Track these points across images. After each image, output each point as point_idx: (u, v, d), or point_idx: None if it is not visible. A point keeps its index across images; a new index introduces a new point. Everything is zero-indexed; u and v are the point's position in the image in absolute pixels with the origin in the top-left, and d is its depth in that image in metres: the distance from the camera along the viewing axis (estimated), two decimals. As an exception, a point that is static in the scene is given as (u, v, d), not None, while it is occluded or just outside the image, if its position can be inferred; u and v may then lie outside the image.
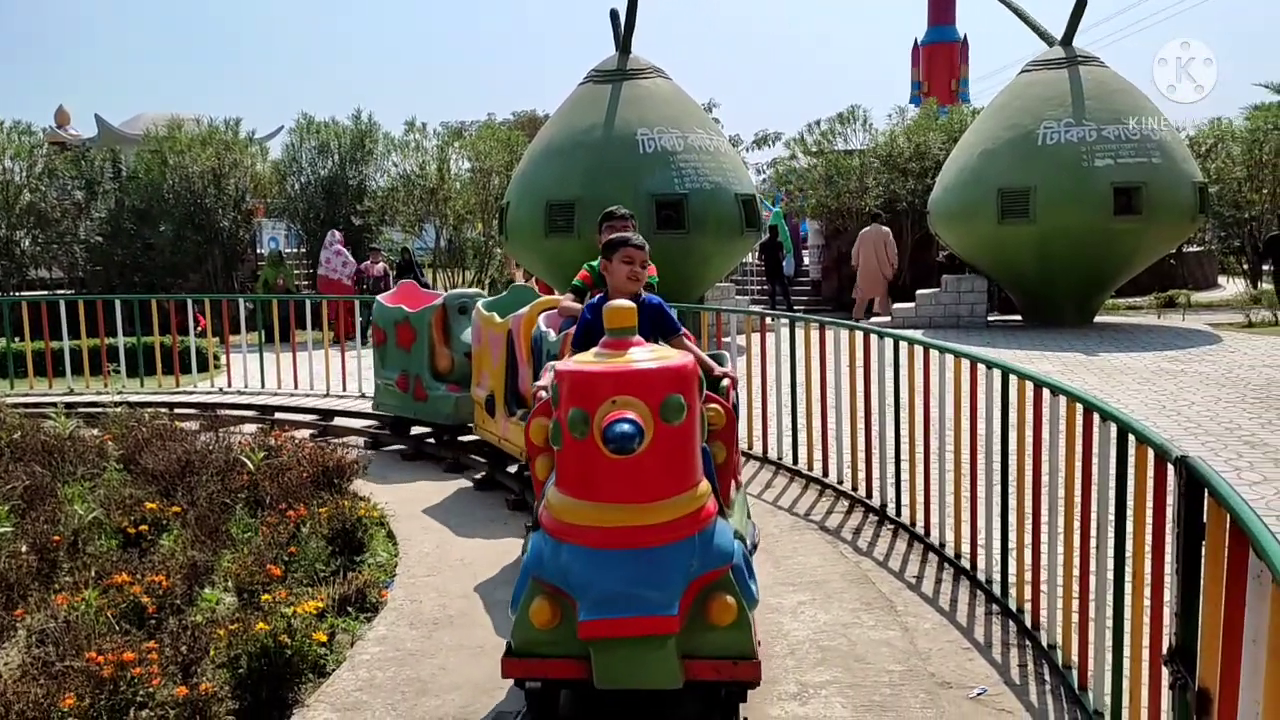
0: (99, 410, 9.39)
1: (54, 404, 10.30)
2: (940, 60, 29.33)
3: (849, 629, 4.54)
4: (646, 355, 3.21)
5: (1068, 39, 15.66)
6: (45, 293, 16.07)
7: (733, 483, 3.86)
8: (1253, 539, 2.11)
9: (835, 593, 4.98)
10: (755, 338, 8.12)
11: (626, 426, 2.92)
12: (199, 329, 12.89)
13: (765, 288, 20.92)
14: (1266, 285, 19.23)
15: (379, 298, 9.25)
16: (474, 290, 8.83)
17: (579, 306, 4.66)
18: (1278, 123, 19.86)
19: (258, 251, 21.47)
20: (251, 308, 14.14)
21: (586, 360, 3.22)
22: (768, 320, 8.01)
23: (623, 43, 14.63)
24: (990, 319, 16.44)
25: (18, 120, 19.82)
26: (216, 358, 13.39)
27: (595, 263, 4.77)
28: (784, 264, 20.71)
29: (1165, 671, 2.78)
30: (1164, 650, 2.83)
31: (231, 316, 14.23)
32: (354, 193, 20.51)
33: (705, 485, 3.30)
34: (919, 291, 16.51)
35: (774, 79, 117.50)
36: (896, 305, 16.75)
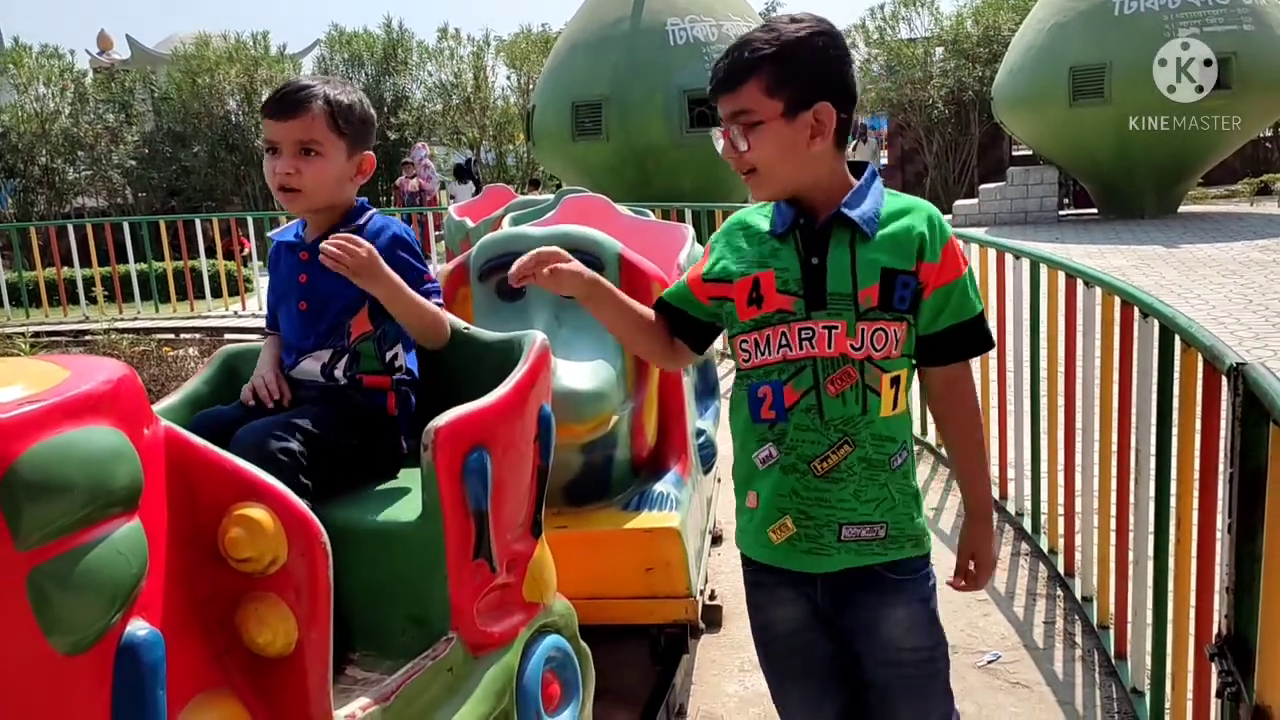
0: (92, 338, 9.00)
1: (58, 333, 9.98)
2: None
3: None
4: None
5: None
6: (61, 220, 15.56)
7: None
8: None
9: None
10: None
11: None
12: (244, 251, 12.39)
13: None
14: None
15: (451, 209, 7.38)
16: (545, 197, 5.85)
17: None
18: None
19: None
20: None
21: None
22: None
23: (650, -77, 13.48)
24: (1062, 214, 15.16)
25: (45, 44, 19.47)
26: (248, 281, 12.85)
27: None
28: None
29: (1213, 669, 1.96)
30: (1212, 639, 2.01)
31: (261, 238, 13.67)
32: (390, 106, 19.76)
33: None
34: (983, 186, 15.28)
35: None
36: (959, 202, 15.55)
